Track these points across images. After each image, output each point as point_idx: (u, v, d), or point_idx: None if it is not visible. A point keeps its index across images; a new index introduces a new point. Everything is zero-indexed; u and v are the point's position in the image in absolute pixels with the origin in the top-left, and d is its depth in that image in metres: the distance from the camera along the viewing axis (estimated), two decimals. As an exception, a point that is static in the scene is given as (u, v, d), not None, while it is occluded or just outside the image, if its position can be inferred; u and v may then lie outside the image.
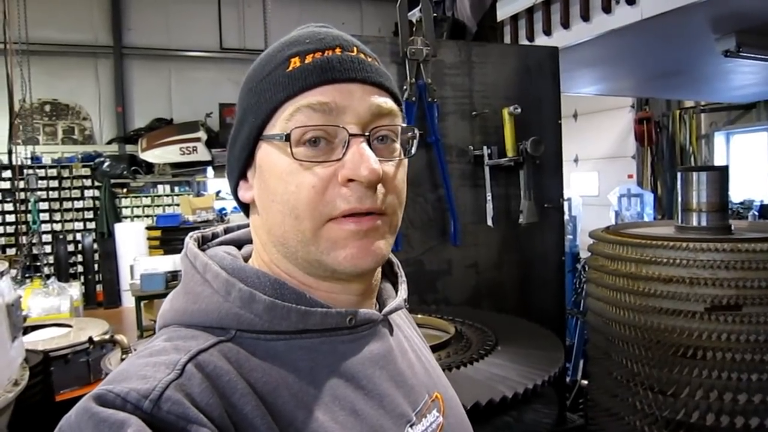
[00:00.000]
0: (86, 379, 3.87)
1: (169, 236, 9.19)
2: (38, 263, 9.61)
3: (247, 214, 0.81)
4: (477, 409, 1.29)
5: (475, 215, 2.78)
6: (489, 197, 2.71)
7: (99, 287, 10.16)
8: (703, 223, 2.33)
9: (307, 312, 0.69)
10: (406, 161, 0.77)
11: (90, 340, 3.32)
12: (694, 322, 2.08)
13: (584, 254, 5.60)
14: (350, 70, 0.71)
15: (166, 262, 6.17)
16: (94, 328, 4.06)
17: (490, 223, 2.71)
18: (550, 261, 2.95)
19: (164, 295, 5.99)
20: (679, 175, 2.41)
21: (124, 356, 3.05)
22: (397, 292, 0.86)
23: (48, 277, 8.17)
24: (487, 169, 2.72)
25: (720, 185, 2.33)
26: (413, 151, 0.78)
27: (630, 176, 8.51)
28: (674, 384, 2.13)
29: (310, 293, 0.72)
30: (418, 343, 0.91)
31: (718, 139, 8.20)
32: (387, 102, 0.74)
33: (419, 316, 1.89)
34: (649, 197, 7.13)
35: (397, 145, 0.75)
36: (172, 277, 5.86)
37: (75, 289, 6.21)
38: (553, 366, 1.48)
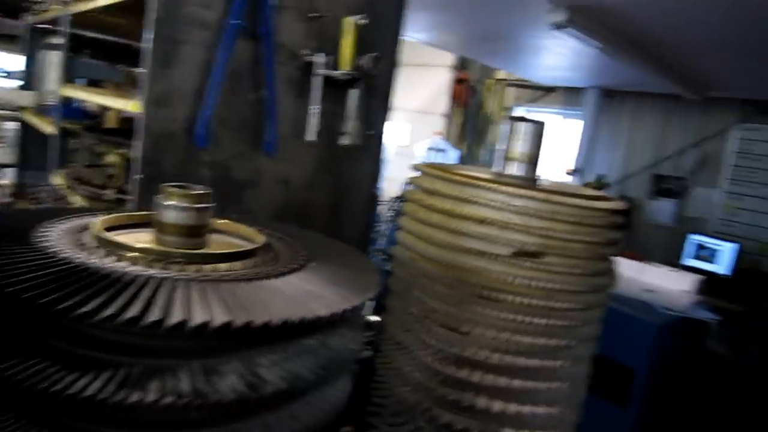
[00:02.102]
0: None
1: None
2: None
3: None
4: (285, 328, 1.09)
5: (295, 128, 2.54)
6: (315, 110, 2.47)
7: None
8: (519, 173, 2.37)
9: None
10: None
11: None
12: (497, 265, 2.11)
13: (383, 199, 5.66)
14: None
15: None
16: None
17: (312, 137, 2.48)
18: (363, 190, 2.84)
19: None
20: (507, 124, 2.41)
21: None
22: None
23: None
24: (317, 80, 2.47)
25: (539, 138, 2.37)
26: None
27: (438, 133, 8.86)
28: (468, 323, 2.16)
29: None
30: None
31: (519, 113, 8.88)
32: None
33: (222, 221, 1.62)
34: (454, 153, 7.48)
35: None
36: None
37: None
38: (371, 289, 1.33)
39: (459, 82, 8.60)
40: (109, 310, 0.98)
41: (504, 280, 2.12)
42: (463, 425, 2.21)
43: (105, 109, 3.45)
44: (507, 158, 2.38)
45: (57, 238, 1.32)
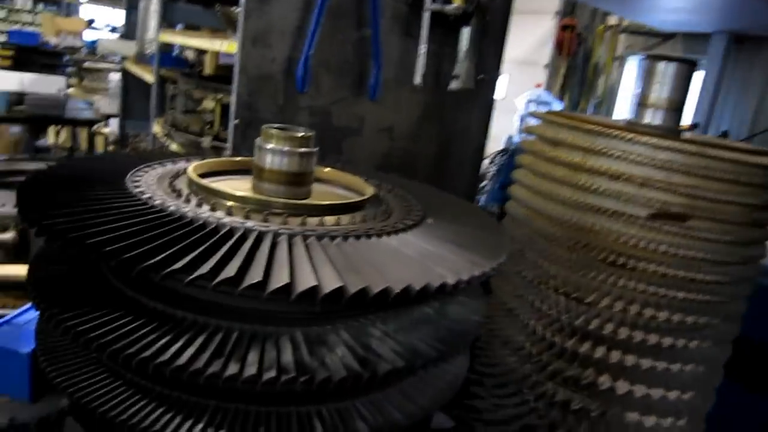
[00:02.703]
0: None
1: (24, 57, 7.81)
2: None
3: None
4: (404, 296, 0.90)
5: (401, 70, 2.32)
6: (423, 50, 2.23)
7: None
8: (657, 122, 2.03)
9: None
10: None
11: None
12: (633, 228, 1.82)
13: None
14: None
15: (11, 80, 5.07)
16: None
17: (418, 81, 2.25)
18: (473, 140, 2.59)
19: (5, 119, 5.03)
20: (642, 63, 2.07)
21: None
22: None
23: None
24: (426, 15, 2.22)
25: (685, 82, 2.02)
26: None
27: (538, 85, 8.32)
28: (593, 292, 1.90)
29: None
30: None
31: (631, 63, 8.15)
32: None
33: (326, 169, 1.44)
34: (558, 106, 6.99)
35: None
36: (18, 100, 4.86)
37: None
38: (502, 251, 1.11)
39: (565, 29, 7.99)
40: (202, 269, 0.83)
41: (639, 246, 1.83)
42: (580, 404, 1.98)
43: (202, 55, 3.37)
44: (643, 104, 2.05)
45: (149, 184, 1.18)
